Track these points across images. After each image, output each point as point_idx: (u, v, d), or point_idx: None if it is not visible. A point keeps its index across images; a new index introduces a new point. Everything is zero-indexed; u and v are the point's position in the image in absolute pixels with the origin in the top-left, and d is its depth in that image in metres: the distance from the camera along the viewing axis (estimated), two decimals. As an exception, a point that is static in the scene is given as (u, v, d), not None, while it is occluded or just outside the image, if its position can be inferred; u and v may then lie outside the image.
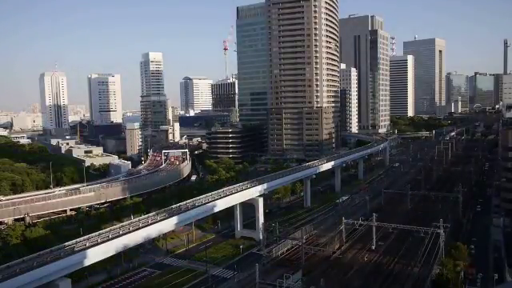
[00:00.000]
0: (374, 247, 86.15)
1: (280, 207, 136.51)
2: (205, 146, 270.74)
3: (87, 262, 67.07)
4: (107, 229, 77.31)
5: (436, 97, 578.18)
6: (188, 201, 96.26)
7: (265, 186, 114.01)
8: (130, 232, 74.37)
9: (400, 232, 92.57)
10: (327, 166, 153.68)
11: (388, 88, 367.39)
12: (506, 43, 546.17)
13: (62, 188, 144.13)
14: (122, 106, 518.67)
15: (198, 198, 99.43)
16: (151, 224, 79.01)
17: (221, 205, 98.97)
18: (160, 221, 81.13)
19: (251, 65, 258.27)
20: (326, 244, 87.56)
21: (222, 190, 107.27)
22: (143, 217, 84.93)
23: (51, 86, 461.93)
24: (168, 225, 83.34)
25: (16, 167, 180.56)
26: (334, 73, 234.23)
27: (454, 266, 74.23)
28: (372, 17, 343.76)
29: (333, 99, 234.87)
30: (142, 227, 76.92)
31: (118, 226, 79.00)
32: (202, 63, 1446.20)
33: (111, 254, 71.89)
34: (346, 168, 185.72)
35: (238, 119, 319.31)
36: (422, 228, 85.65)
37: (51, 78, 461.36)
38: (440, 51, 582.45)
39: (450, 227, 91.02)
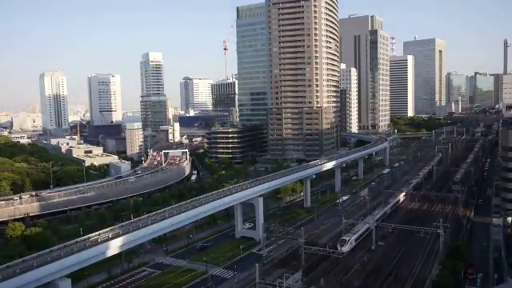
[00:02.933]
0: (373, 247, 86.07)
1: (280, 207, 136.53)
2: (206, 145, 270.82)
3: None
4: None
5: (436, 97, 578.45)
6: (188, 201, 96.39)
7: (265, 185, 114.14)
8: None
9: (400, 232, 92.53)
10: (327, 165, 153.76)
11: (388, 88, 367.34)
12: (506, 43, 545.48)
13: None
14: (122, 106, 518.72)
15: (198, 197, 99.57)
16: (147, 225, 79.07)
17: (221, 205, 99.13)
18: (157, 222, 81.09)
19: (251, 65, 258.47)
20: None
21: (222, 189, 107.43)
22: (143, 216, 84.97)
23: (51, 86, 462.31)
24: (166, 225, 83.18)
25: (16, 167, 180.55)
26: (334, 73, 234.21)
27: (453, 265, 74.29)
28: (372, 17, 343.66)
29: (333, 99, 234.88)
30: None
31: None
32: (202, 63, 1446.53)
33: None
34: (346, 168, 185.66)
35: (237, 119, 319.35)
36: (422, 228, 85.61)
37: (51, 78, 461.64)
38: (440, 51, 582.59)
39: (450, 227, 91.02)
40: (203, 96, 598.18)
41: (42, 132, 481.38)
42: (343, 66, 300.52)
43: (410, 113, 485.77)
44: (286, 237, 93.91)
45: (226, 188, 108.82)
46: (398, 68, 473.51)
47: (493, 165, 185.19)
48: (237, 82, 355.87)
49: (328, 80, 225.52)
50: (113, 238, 71.13)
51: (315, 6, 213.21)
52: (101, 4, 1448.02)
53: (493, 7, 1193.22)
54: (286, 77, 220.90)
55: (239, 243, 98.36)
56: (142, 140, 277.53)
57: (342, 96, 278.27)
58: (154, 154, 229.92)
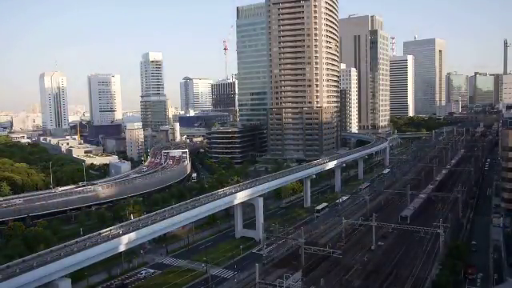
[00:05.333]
0: (373, 247, 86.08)
1: (280, 207, 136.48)
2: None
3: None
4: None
5: (436, 97, 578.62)
6: (188, 201, 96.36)
7: (265, 185, 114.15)
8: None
9: (400, 232, 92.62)
10: (328, 165, 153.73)
11: (388, 88, 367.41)
12: (506, 43, 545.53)
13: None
14: (122, 106, 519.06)
15: (198, 197, 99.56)
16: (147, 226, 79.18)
17: (221, 205, 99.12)
18: (157, 222, 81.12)
19: (251, 65, 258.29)
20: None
21: (222, 189, 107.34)
22: (143, 216, 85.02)
23: (51, 86, 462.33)
24: (166, 225, 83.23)
25: (16, 167, 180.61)
26: (334, 73, 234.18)
27: (453, 265, 74.27)
28: (372, 17, 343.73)
29: (333, 99, 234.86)
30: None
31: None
32: (202, 63, 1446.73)
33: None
34: (346, 168, 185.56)
35: (238, 119, 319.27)
36: (422, 228, 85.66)
37: (51, 78, 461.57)
38: (440, 51, 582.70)
39: (450, 227, 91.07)
40: (203, 96, 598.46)
41: (42, 132, 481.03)
42: (343, 66, 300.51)
43: (410, 113, 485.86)
44: (286, 237, 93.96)
45: (226, 188, 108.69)
46: (398, 68, 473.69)
47: (493, 165, 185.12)
48: (237, 82, 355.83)
49: (328, 80, 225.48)
50: (113, 238, 71.16)
51: (315, 6, 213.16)
52: (101, 4, 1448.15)
53: (493, 7, 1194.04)
54: (285, 77, 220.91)
55: (239, 243, 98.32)
56: (142, 140, 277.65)
57: (342, 96, 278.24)
58: (155, 153, 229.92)
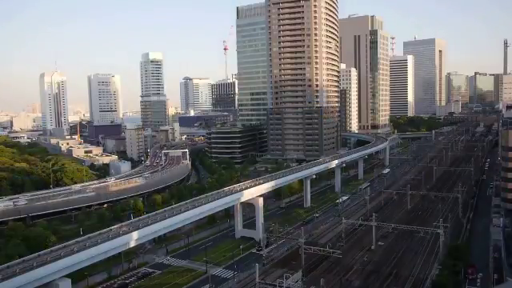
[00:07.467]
0: (373, 247, 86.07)
1: (280, 207, 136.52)
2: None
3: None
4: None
5: (436, 97, 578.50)
6: (188, 201, 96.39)
7: (265, 185, 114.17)
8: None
9: (400, 232, 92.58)
10: (327, 165, 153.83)
11: (388, 88, 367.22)
12: (506, 43, 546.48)
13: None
14: (122, 106, 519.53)
15: (198, 198, 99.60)
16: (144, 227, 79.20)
17: (221, 205, 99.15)
18: (157, 222, 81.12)
19: (251, 65, 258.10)
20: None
21: (222, 189, 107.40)
22: (143, 216, 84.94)
23: (51, 85, 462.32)
24: (166, 225, 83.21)
25: (16, 167, 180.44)
26: (334, 73, 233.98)
27: (453, 265, 74.24)
28: (372, 17, 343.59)
29: (333, 99, 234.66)
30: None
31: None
32: (202, 63, 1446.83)
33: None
34: (346, 168, 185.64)
35: (238, 119, 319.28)
36: (422, 228, 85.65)
37: (51, 78, 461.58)
38: (440, 51, 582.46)
39: (450, 227, 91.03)
40: (203, 96, 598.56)
41: (41, 132, 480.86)
42: (343, 65, 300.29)
43: (410, 113, 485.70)
44: (286, 237, 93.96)
45: (226, 188, 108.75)
46: (398, 68, 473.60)
47: (493, 165, 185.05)
48: (237, 82, 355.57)
49: (328, 80, 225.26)
50: (112, 238, 71.15)
51: (315, 5, 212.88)
52: (101, 4, 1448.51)
53: (493, 7, 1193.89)
54: (285, 77, 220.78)
55: (239, 243, 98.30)
56: (141, 140, 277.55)
57: (342, 96, 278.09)
58: (154, 154, 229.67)
